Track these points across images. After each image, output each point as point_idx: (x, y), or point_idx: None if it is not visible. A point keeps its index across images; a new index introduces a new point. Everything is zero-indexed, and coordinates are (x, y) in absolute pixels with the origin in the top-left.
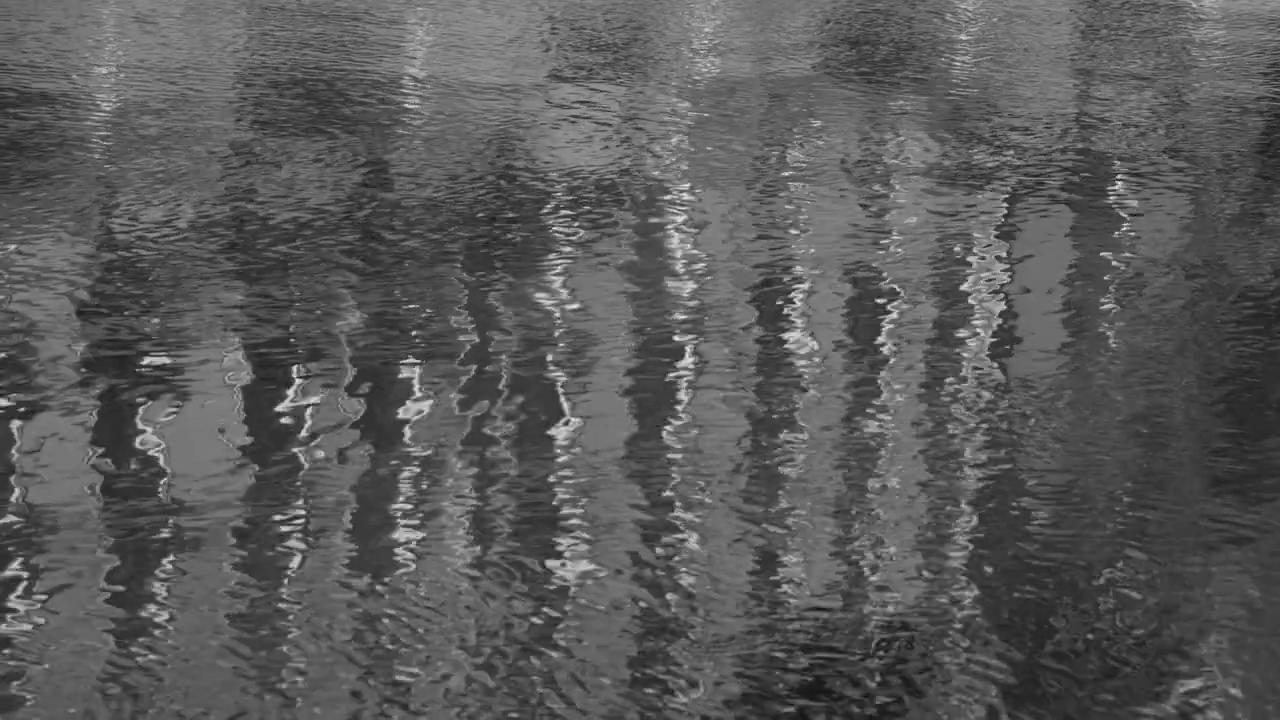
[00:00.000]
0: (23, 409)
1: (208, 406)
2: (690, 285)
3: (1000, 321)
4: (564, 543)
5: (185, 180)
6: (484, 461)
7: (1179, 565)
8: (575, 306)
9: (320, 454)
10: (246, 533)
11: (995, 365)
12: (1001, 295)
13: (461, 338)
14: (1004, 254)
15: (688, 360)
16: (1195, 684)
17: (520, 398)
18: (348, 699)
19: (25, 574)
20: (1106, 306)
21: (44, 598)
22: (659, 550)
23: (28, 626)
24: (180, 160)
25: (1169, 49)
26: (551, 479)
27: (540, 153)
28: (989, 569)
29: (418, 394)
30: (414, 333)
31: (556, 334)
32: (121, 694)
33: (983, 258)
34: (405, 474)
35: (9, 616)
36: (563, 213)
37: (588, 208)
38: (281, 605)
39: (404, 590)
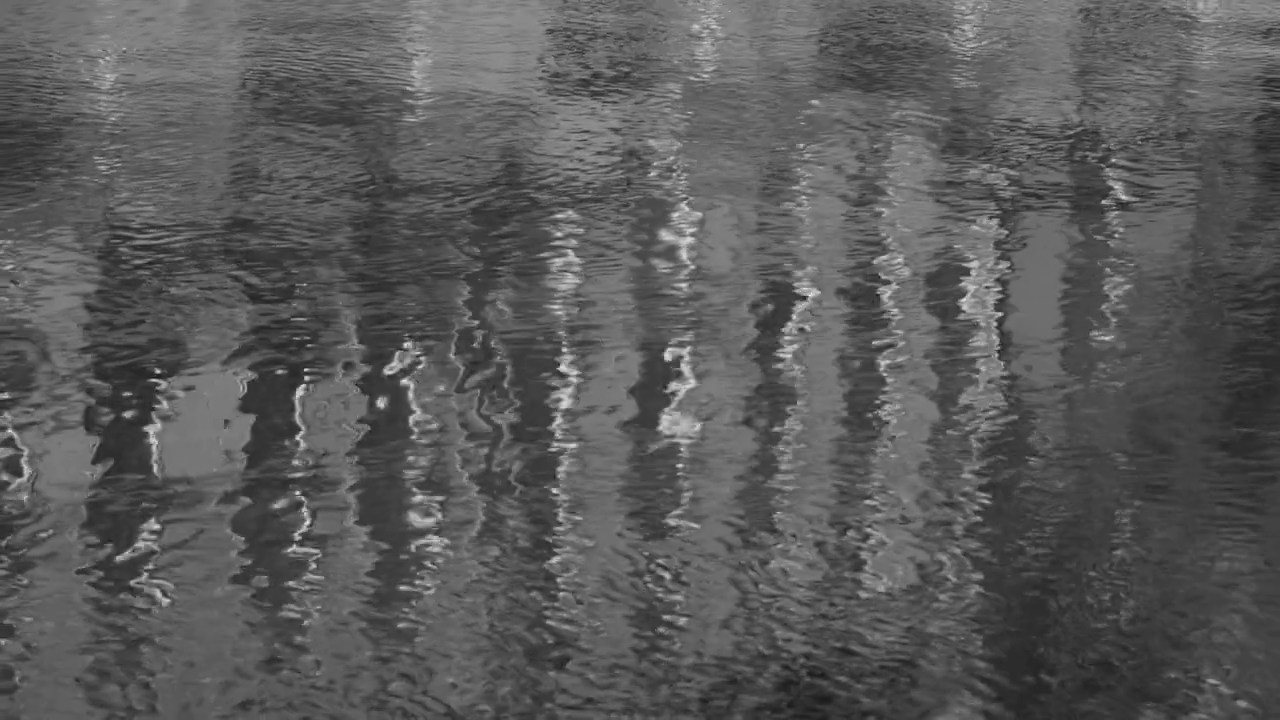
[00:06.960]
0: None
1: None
2: (690, 291)
3: (999, 323)
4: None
5: (188, 181)
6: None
7: (1180, 563)
8: (578, 308)
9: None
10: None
11: (995, 364)
12: (1000, 298)
13: (462, 339)
14: (1003, 259)
15: (685, 363)
16: (1196, 686)
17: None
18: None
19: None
20: (1106, 308)
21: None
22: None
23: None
24: (183, 162)
25: (1167, 55)
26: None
27: (543, 159)
28: (988, 569)
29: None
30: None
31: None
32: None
33: (981, 263)
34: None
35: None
36: (566, 216)
37: (590, 212)
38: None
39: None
